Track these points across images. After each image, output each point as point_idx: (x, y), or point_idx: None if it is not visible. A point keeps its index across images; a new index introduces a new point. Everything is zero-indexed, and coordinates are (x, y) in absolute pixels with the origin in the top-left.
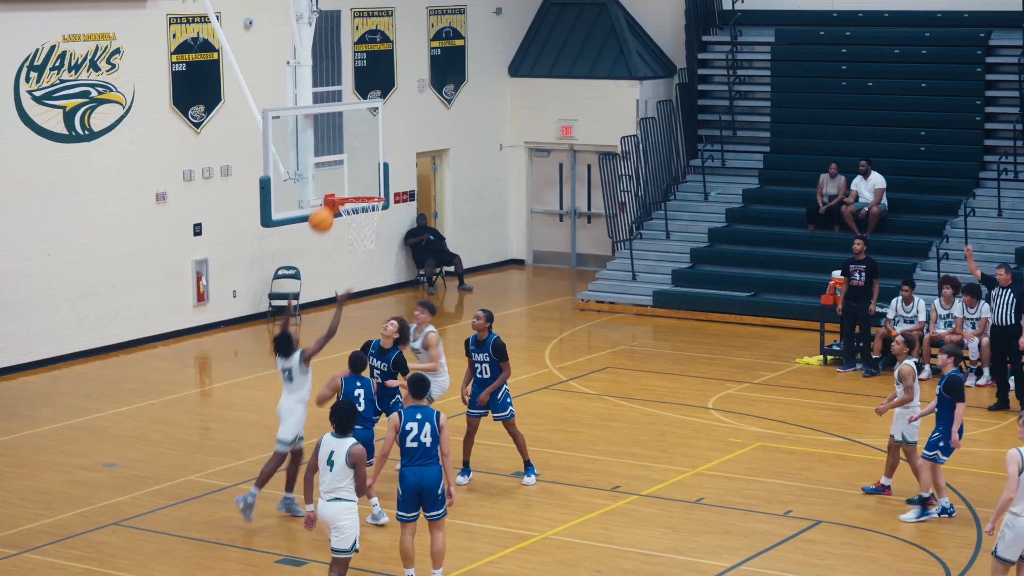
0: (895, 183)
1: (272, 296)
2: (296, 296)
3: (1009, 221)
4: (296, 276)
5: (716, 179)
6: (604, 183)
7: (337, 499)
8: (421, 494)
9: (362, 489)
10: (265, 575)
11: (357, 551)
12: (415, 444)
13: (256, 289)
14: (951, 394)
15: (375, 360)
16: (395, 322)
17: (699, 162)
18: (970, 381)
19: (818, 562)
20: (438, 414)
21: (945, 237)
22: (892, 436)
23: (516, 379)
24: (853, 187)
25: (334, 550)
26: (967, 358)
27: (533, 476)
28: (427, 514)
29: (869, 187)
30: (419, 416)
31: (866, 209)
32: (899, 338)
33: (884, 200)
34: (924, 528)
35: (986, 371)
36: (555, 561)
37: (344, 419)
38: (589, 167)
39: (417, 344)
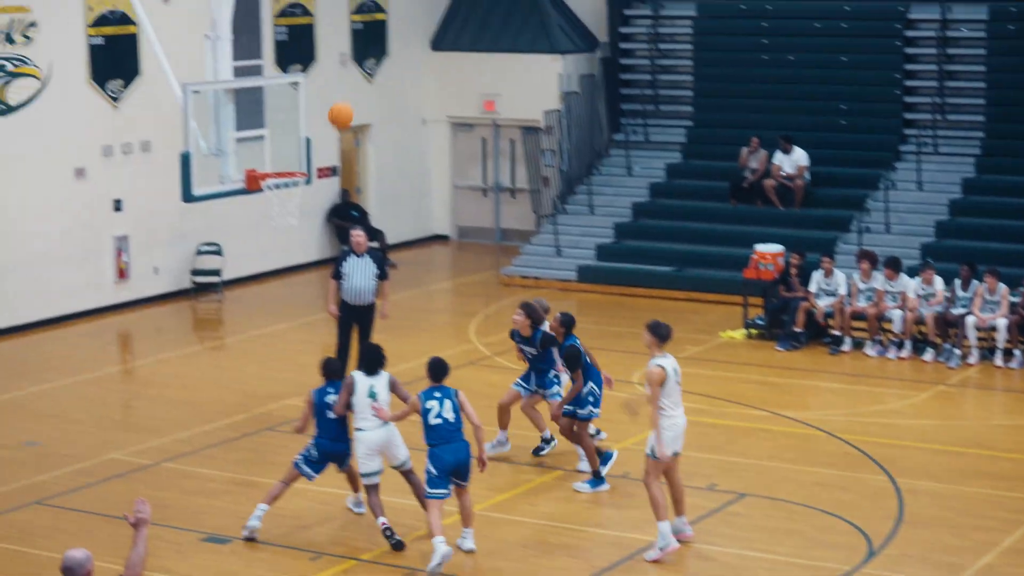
0: (817, 156)
1: (194, 272)
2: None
3: (929, 195)
4: (218, 252)
5: (639, 153)
6: (528, 158)
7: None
8: (458, 470)
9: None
10: (190, 554)
11: None
12: (439, 420)
13: (178, 266)
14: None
15: (523, 346)
16: (520, 311)
17: (622, 136)
18: (891, 354)
19: (743, 535)
20: (456, 391)
21: (866, 210)
22: None
23: (442, 354)
24: (776, 162)
25: (399, 467)
26: (888, 331)
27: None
28: (458, 483)
29: (792, 163)
30: (437, 394)
31: (789, 184)
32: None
33: (807, 174)
34: (846, 500)
35: (907, 344)
36: (481, 537)
37: (372, 360)
38: (512, 142)
39: None
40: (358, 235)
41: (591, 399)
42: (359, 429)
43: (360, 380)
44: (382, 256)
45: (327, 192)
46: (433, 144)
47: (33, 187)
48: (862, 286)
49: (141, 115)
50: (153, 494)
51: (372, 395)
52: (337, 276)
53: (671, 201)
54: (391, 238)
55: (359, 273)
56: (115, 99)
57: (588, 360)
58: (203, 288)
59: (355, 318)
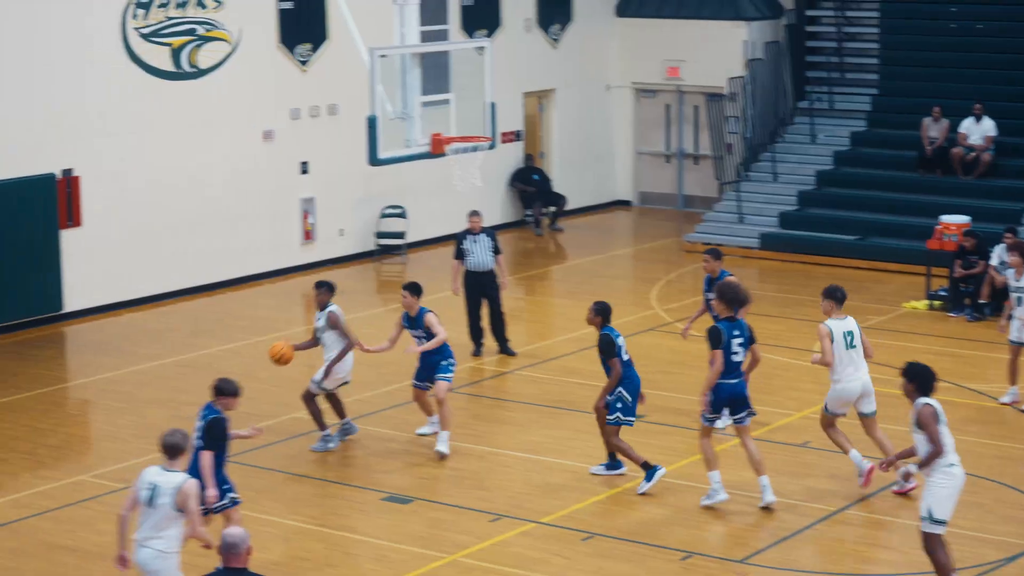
0: (1004, 127)
1: (379, 235)
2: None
3: None
4: (403, 215)
5: (824, 121)
6: (711, 124)
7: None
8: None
9: None
10: (371, 513)
11: None
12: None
13: (363, 227)
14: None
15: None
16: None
17: (807, 103)
18: None
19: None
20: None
21: None
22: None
23: (623, 320)
24: (963, 130)
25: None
26: None
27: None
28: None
29: (980, 132)
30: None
31: (974, 154)
32: None
33: (993, 145)
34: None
35: None
36: (657, 504)
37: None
38: (696, 108)
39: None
40: (475, 219)
41: (619, 405)
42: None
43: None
44: (495, 234)
45: (510, 157)
46: (616, 110)
47: (222, 149)
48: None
49: (329, 79)
50: (336, 454)
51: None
52: (459, 255)
53: (855, 169)
54: (573, 203)
55: (479, 250)
56: (303, 63)
57: (629, 362)
58: (387, 250)
59: (480, 290)
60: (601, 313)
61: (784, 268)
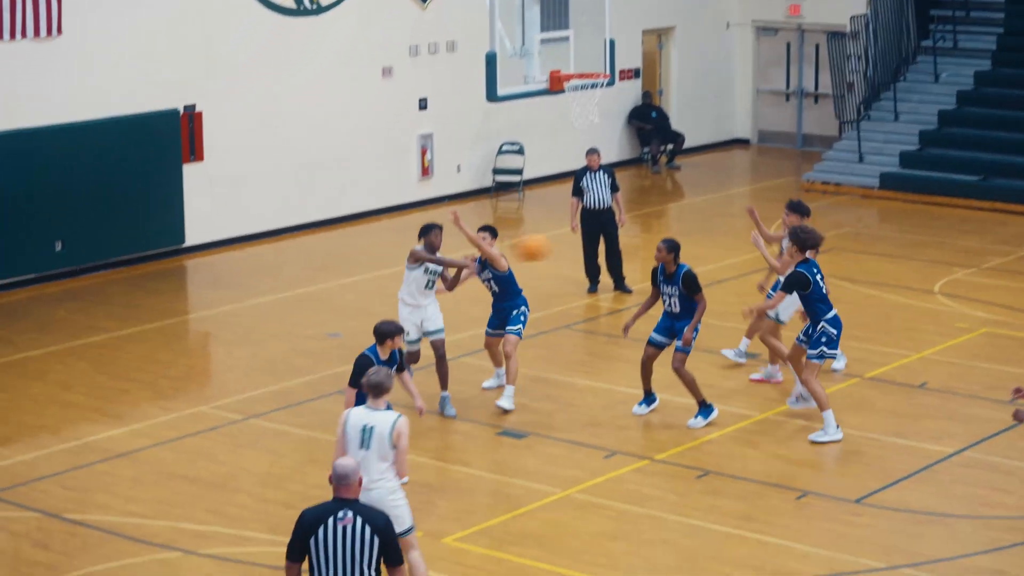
0: None
1: (496, 171)
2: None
3: None
4: (520, 152)
5: (947, 60)
6: (832, 63)
7: None
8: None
9: None
10: (488, 448)
11: None
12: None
13: (480, 164)
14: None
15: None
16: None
17: (930, 43)
18: None
19: None
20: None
21: None
22: None
23: (738, 259)
24: None
25: None
26: None
27: (701, 419)
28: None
29: None
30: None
31: None
32: None
33: None
34: None
35: None
36: (781, 442)
37: None
38: (817, 46)
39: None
40: (593, 157)
41: (823, 339)
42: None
43: None
44: (613, 171)
45: (629, 94)
46: (737, 48)
47: (342, 86)
48: None
49: (448, 15)
50: (450, 388)
51: None
52: (577, 193)
53: (978, 109)
54: (691, 141)
55: (596, 187)
56: (424, 0)
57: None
58: (504, 187)
59: (598, 227)
60: (673, 250)
61: (904, 208)
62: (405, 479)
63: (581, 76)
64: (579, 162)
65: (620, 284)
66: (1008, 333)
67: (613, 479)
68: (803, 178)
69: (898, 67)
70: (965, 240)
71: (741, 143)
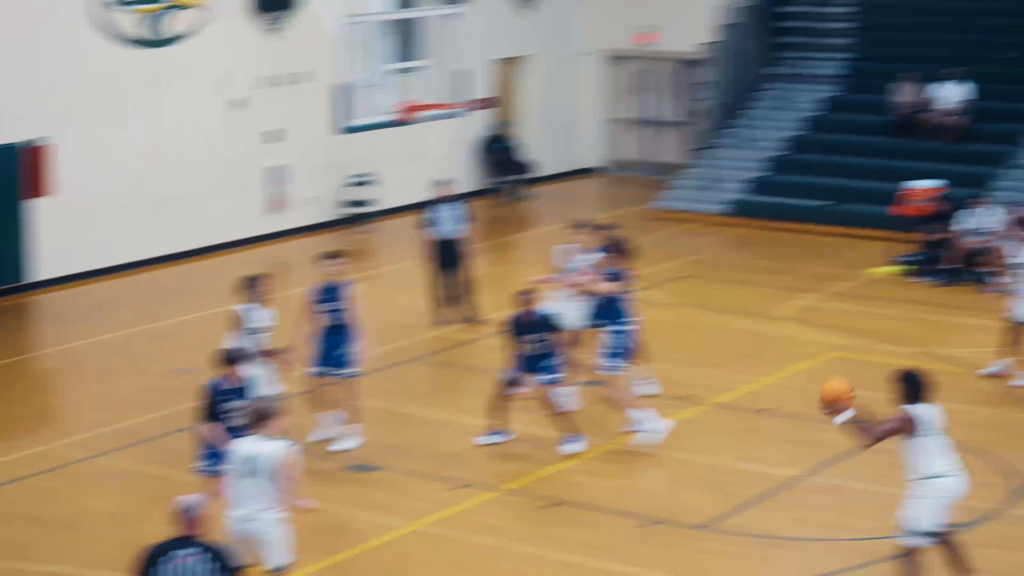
0: (980, 91)
1: (347, 203)
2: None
3: None
4: (371, 183)
5: (796, 87)
6: (682, 91)
7: None
8: None
9: None
10: (335, 483)
11: None
12: None
13: (331, 196)
14: None
15: None
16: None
17: (779, 70)
18: None
19: (887, 472)
20: None
21: (1021, 146)
22: None
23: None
24: (937, 94)
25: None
26: None
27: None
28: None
29: (955, 96)
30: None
31: (948, 119)
32: None
33: (967, 109)
34: (993, 438)
35: None
36: (628, 471)
37: None
38: (667, 74)
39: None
40: (445, 187)
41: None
42: None
43: None
44: (464, 202)
45: (480, 124)
46: (587, 77)
47: (191, 117)
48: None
49: (300, 46)
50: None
51: None
52: (430, 223)
53: (827, 135)
54: (542, 171)
55: (449, 217)
56: (274, 30)
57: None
58: (355, 218)
59: (450, 258)
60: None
61: (753, 235)
62: (304, 504)
63: (434, 106)
64: (431, 192)
65: (471, 315)
66: (855, 357)
67: (463, 511)
68: (653, 205)
69: (747, 94)
70: (814, 265)
71: (592, 172)
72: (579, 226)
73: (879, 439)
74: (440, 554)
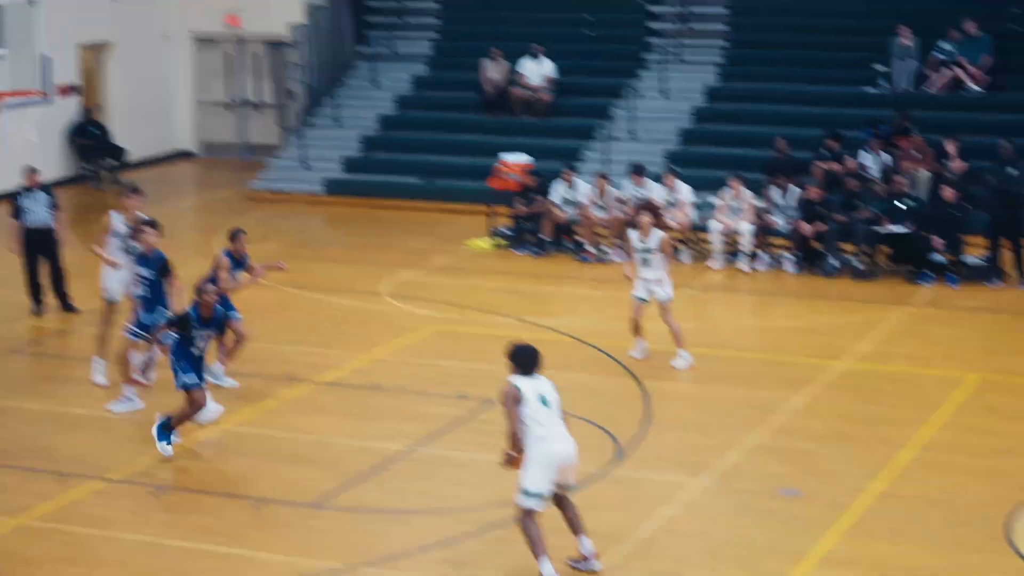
0: (562, 67)
1: None
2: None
3: (673, 103)
4: None
5: (386, 66)
6: (273, 72)
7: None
8: None
9: None
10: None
11: None
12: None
13: None
14: None
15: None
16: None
17: (368, 49)
18: None
19: (492, 442)
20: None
21: (611, 119)
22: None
23: (189, 272)
24: (523, 71)
25: (570, 487)
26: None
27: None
28: None
29: (539, 73)
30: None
31: (533, 95)
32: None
33: (552, 85)
34: (595, 404)
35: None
36: (232, 452)
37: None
38: (257, 56)
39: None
40: (31, 176)
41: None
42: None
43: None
44: (52, 190)
45: (68, 111)
46: (176, 60)
47: None
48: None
49: None
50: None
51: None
52: (17, 213)
53: (418, 113)
54: (135, 155)
55: (36, 206)
56: None
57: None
58: None
59: (40, 247)
60: None
61: (350, 213)
62: None
63: (15, 94)
64: (17, 182)
65: (66, 304)
66: (455, 329)
67: (68, 503)
68: (248, 187)
69: (338, 74)
70: (411, 241)
71: (186, 155)
72: (133, 191)
73: (513, 420)
74: (46, 549)
